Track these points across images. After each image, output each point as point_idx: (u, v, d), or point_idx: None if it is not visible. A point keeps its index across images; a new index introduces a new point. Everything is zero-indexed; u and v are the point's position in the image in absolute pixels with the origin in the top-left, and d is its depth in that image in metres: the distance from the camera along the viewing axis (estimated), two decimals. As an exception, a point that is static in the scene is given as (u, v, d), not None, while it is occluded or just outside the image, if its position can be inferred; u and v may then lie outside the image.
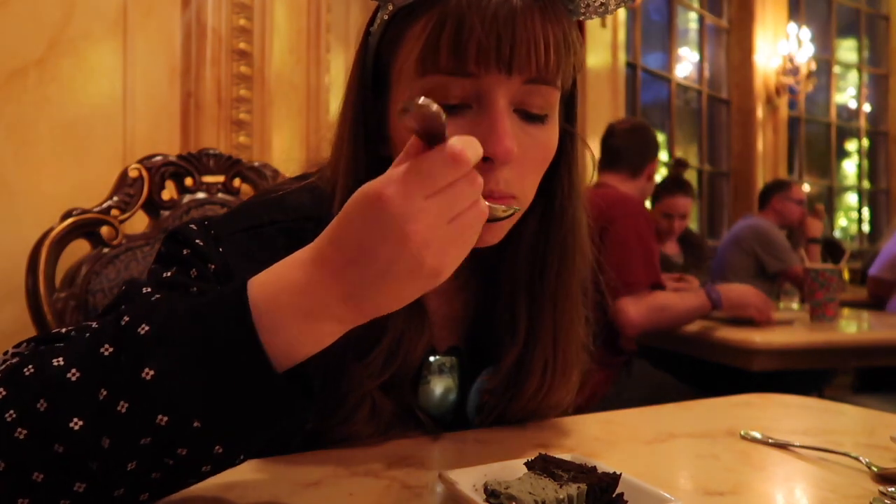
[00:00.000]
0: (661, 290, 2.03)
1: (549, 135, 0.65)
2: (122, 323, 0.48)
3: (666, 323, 2.02)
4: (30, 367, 0.48)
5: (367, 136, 0.68)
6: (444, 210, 0.46)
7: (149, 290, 0.61)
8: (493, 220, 0.54)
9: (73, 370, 0.46)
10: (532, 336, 0.73)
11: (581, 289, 0.76)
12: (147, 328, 0.47)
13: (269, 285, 0.48)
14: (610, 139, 2.31)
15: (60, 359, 0.47)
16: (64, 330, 0.57)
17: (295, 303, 0.47)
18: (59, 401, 0.46)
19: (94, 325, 0.52)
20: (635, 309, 1.94)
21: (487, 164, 0.59)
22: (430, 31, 0.59)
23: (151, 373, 0.45)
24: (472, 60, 0.58)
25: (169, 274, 0.64)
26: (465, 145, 0.46)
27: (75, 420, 0.45)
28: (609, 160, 2.28)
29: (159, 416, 0.45)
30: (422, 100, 0.44)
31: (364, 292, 0.47)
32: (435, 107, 0.44)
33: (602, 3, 0.65)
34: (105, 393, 0.46)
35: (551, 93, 0.63)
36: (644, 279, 1.98)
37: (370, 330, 0.61)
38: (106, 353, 0.47)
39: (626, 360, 2.06)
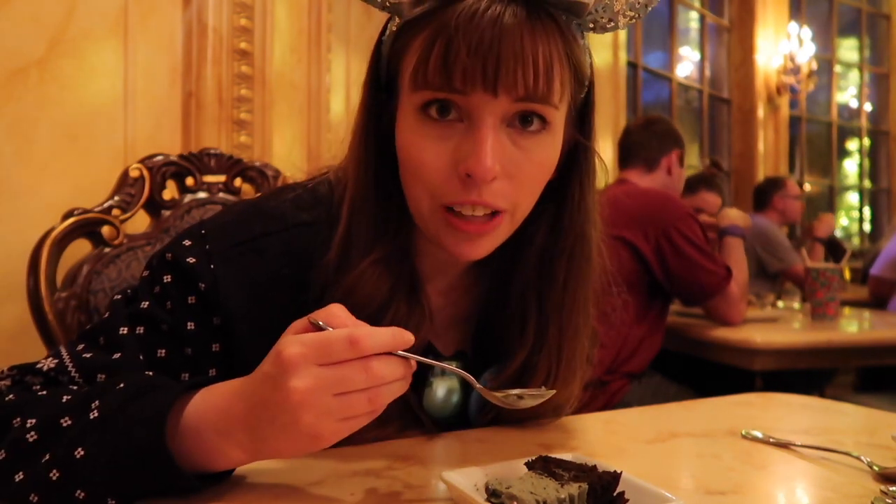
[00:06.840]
0: (731, 273, 2.06)
1: (546, 148, 0.65)
2: (83, 403, 0.56)
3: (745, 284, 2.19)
4: (4, 417, 0.57)
5: (377, 139, 0.69)
6: (332, 383, 0.50)
7: (125, 330, 0.66)
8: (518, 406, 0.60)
9: (33, 433, 0.55)
10: (539, 340, 0.73)
11: (591, 300, 0.76)
12: (96, 414, 0.54)
13: (199, 404, 0.55)
14: (625, 138, 2.31)
15: (32, 420, 0.56)
16: (45, 367, 0.65)
17: (212, 420, 0.54)
18: (15, 455, 0.55)
19: (65, 397, 0.58)
20: (728, 310, 2.07)
21: (472, 179, 0.60)
22: (422, 49, 0.60)
23: (82, 452, 0.53)
24: (458, 81, 0.59)
25: (146, 305, 0.68)
26: (369, 334, 0.51)
27: (20, 473, 0.54)
28: (624, 157, 2.29)
29: (78, 491, 0.53)
30: (312, 319, 0.53)
31: (259, 433, 0.52)
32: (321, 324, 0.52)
33: (611, 19, 0.64)
34: (47, 457, 0.54)
35: (546, 108, 0.62)
36: (720, 272, 2.01)
37: (375, 311, 0.67)
38: (64, 425, 0.55)
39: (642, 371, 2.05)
